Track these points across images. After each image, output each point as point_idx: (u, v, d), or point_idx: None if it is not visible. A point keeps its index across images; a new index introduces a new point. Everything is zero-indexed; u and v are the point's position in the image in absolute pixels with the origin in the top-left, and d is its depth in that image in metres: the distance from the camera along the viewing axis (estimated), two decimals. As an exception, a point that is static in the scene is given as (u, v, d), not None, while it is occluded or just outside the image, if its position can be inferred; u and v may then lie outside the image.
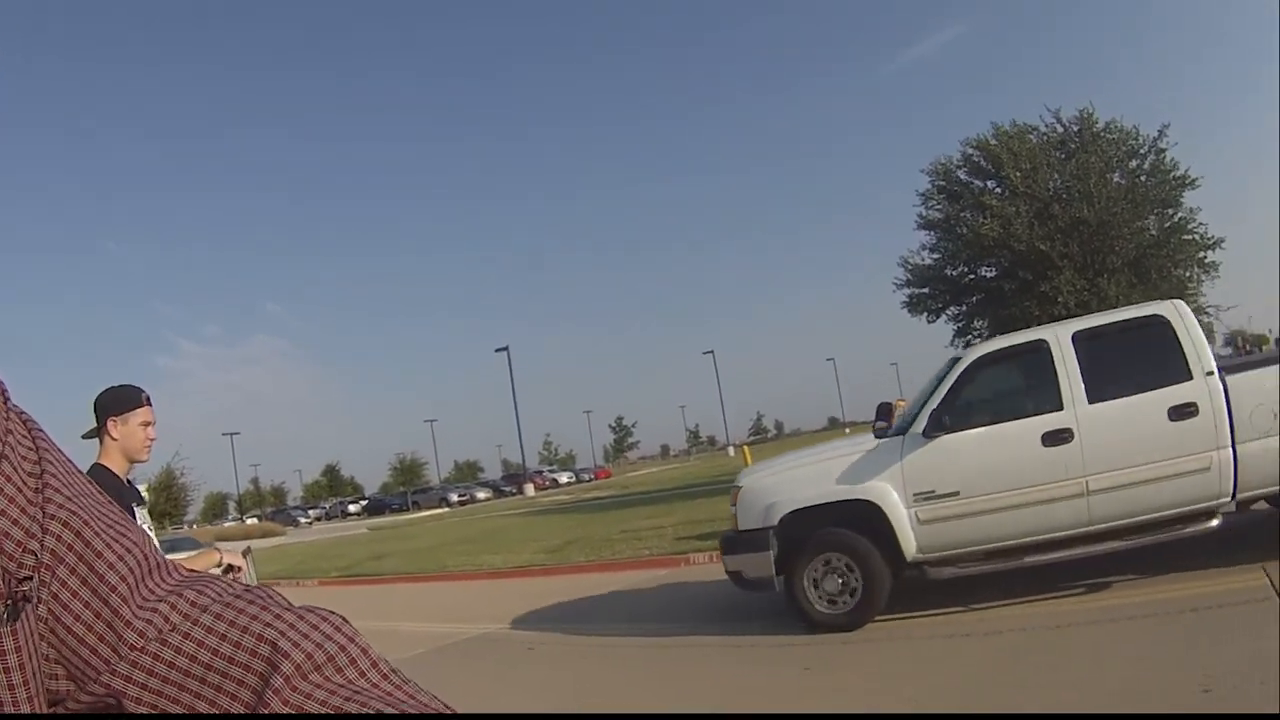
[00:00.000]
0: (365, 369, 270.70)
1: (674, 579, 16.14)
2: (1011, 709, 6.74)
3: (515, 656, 11.95)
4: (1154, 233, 30.01)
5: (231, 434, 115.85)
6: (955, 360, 11.18)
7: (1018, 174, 30.40)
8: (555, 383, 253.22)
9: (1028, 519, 9.96)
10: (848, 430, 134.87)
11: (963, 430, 10.36)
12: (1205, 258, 30.68)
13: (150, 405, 4.75)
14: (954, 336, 35.25)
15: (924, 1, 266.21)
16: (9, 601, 0.88)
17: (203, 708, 0.90)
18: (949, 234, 33.24)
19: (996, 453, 10.20)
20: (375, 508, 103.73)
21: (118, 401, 4.64)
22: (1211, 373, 9.78)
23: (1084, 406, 10.03)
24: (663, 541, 20.72)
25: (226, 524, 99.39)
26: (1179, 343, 9.96)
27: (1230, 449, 9.58)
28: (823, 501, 10.67)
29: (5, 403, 0.99)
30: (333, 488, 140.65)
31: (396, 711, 0.84)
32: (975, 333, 34.71)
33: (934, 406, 10.59)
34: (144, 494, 5.25)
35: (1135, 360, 10.48)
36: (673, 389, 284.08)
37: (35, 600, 0.91)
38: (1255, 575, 9.01)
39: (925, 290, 34.86)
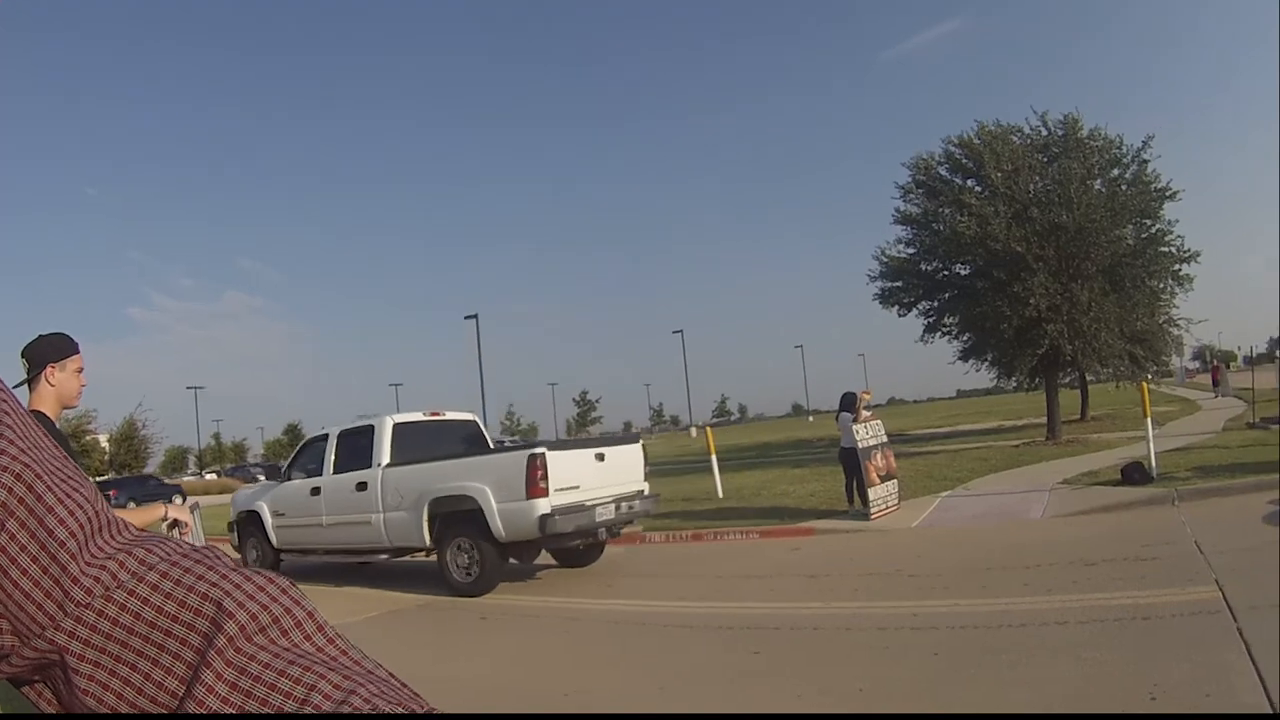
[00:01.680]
0: (334, 330, 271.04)
1: (630, 556, 16.15)
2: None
3: (468, 625, 11.94)
4: (1131, 242, 30.03)
5: (196, 388, 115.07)
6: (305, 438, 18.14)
7: (999, 174, 30.39)
8: (522, 353, 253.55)
9: (307, 535, 16.64)
10: (810, 419, 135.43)
11: (288, 480, 17.31)
12: (1180, 270, 30.81)
13: (80, 352, 4.77)
14: (924, 331, 35.32)
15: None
16: None
17: (145, 665, 0.87)
18: (925, 229, 33.26)
19: (295, 495, 16.83)
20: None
21: (57, 349, 4.66)
22: (380, 465, 15.24)
23: (330, 475, 16.15)
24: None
25: (186, 478, 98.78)
26: (374, 442, 15.51)
27: (382, 514, 14.92)
28: (245, 509, 18.06)
29: None
30: (294, 446, 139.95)
31: (340, 676, 0.82)
32: (945, 329, 34.76)
33: (286, 464, 18.16)
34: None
35: (363, 450, 15.69)
36: (639, 367, 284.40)
37: None
38: (1210, 590, 9.05)
39: (898, 284, 34.90)
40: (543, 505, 12.94)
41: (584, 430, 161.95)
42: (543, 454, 13.14)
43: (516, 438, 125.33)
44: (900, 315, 35.42)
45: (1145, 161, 30.26)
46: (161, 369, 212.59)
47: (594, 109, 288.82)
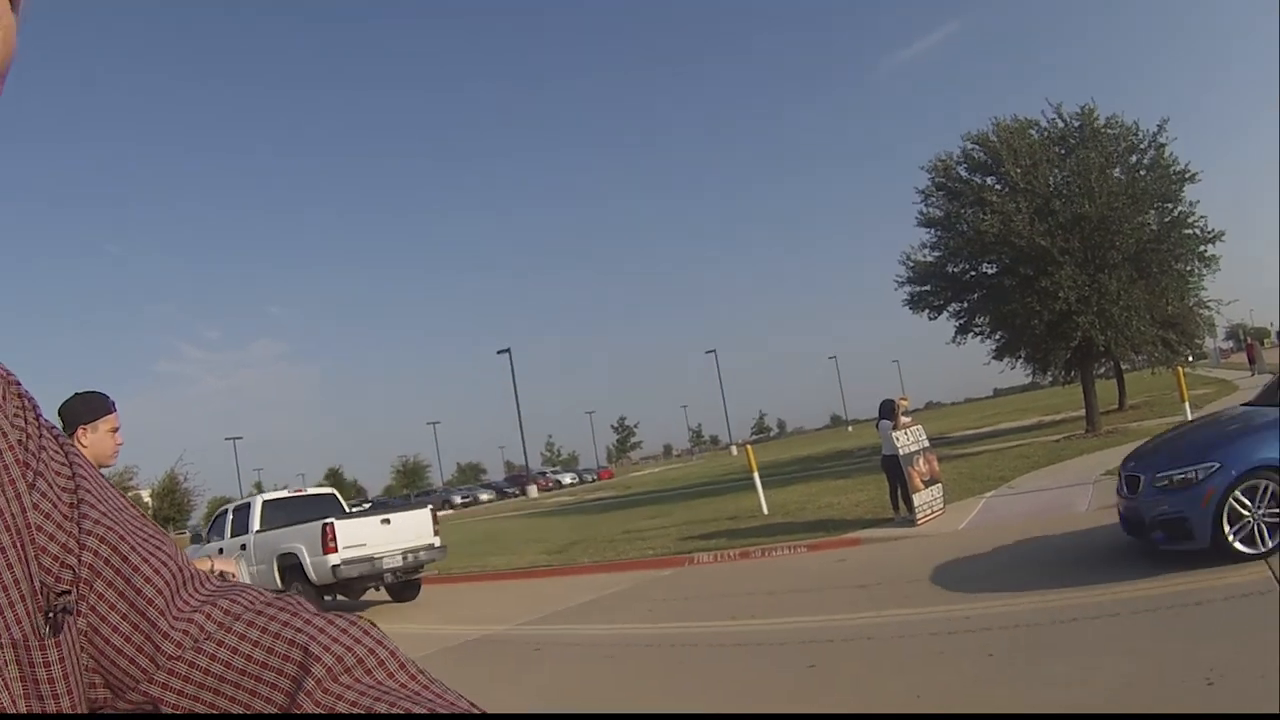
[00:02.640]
0: (367, 371, 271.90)
1: (679, 579, 16.15)
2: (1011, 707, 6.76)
3: (522, 657, 11.96)
4: (1154, 227, 29.76)
5: (234, 438, 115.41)
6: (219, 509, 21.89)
7: (1018, 170, 30.23)
8: (558, 383, 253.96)
9: None
10: (850, 428, 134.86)
11: (208, 542, 20.33)
12: (1205, 252, 30.51)
13: (116, 411, 4.77)
14: (956, 333, 35.11)
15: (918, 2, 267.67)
16: (49, 615, 0.90)
17: (238, 711, 0.93)
18: (949, 231, 33.06)
19: (210, 554, 18.27)
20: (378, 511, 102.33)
21: (90, 409, 4.65)
22: (253, 531, 19.38)
23: (228, 539, 19.70)
24: (667, 541, 20.76)
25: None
26: (250, 515, 19.75)
27: (255, 567, 18.57)
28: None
29: (38, 419, 1.02)
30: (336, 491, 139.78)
31: (426, 710, 0.86)
32: (977, 329, 34.60)
33: (206, 530, 21.78)
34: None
35: (245, 520, 19.86)
36: (675, 389, 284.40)
37: (75, 613, 0.93)
38: (1259, 569, 9.04)
39: (926, 287, 34.67)
40: (334, 559, 17.39)
41: (624, 455, 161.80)
42: (331, 523, 17.65)
43: (557, 467, 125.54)
44: (931, 319, 35.21)
45: (1162, 145, 29.99)
46: (197, 420, 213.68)
47: (605, 130, 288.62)
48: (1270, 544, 9.66)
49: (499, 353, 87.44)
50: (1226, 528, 9.81)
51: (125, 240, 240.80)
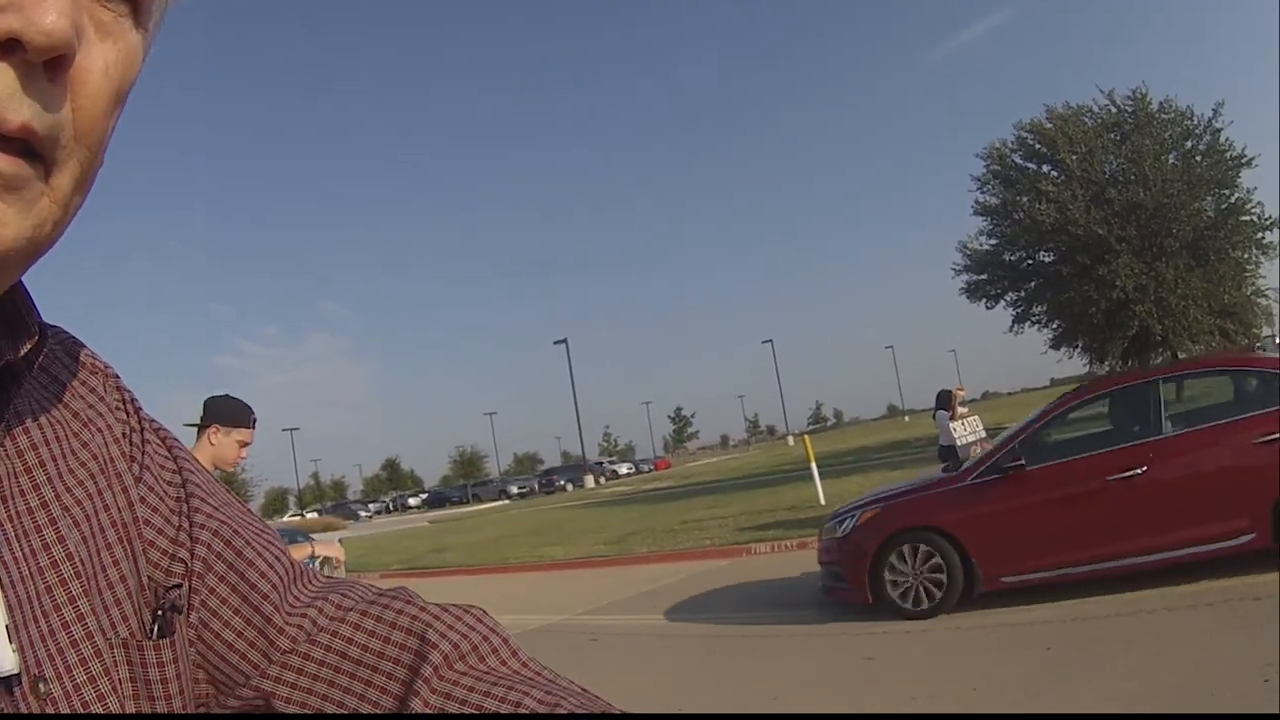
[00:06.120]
0: (423, 364, 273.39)
1: (736, 569, 16.19)
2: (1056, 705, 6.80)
3: (578, 647, 12.05)
4: (1211, 214, 29.47)
5: (291, 429, 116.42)
6: None
7: (1073, 157, 30.05)
8: (614, 374, 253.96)
9: None
10: (906, 418, 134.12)
11: None
12: (1263, 239, 30.21)
13: (254, 428, 4.90)
14: (1013, 322, 34.96)
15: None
16: (158, 612, 0.89)
17: (352, 701, 0.93)
18: (1005, 219, 32.93)
19: None
20: (435, 501, 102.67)
21: (228, 414, 4.83)
22: None
23: None
24: (724, 532, 20.76)
25: (287, 518, 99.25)
26: None
27: None
28: None
29: (138, 413, 1.00)
30: (393, 481, 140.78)
31: (542, 692, 0.88)
32: (1034, 318, 34.41)
33: None
34: None
35: None
36: (732, 379, 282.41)
37: (185, 609, 0.92)
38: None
39: (983, 276, 34.57)
40: None
41: (681, 446, 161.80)
42: None
43: (614, 457, 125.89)
44: (988, 308, 35.14)
45: (1218, 130, 29.69)
46: (256, 413, 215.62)
47: (659, 122, 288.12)
48: None
49: (555, 343, 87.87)
50: None
51: (184, 238, 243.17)
